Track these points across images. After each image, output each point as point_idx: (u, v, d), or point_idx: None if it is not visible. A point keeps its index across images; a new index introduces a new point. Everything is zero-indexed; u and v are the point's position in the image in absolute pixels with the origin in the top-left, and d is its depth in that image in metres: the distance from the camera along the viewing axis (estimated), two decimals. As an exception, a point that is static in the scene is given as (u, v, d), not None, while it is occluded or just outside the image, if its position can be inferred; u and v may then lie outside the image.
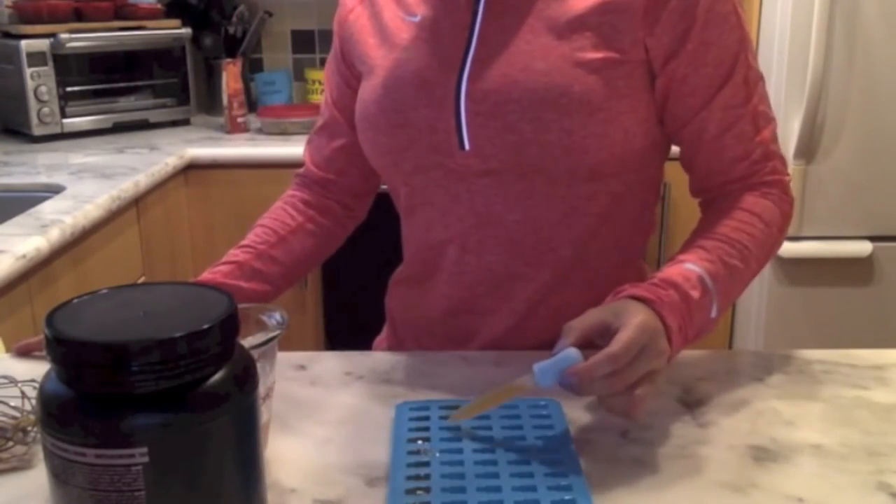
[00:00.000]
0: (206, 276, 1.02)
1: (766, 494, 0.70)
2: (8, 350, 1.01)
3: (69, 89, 2.35)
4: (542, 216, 0.93)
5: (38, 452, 0.76)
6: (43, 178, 1.91)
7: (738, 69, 0.89)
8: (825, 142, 2.11)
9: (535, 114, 0.87)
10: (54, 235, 1.49)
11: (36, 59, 2.26)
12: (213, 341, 0.53)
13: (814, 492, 0.70)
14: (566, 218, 0.94)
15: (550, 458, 0.73)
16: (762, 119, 0.92)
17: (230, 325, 0.55)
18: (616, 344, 0.71)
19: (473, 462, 0.72)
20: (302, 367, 0.94)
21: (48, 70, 2.29)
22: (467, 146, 0.91)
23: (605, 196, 0.93)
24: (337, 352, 0.99)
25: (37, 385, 0.69)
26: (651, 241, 1.03)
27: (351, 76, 1.05)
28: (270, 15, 2.76)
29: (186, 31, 2.53)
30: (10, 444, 0.76)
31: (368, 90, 0.98)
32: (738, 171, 0.92)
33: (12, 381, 0.83)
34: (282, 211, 1.10)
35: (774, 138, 0.93)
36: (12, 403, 0.80)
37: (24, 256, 1.39)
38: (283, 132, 2.39)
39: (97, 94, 2.42)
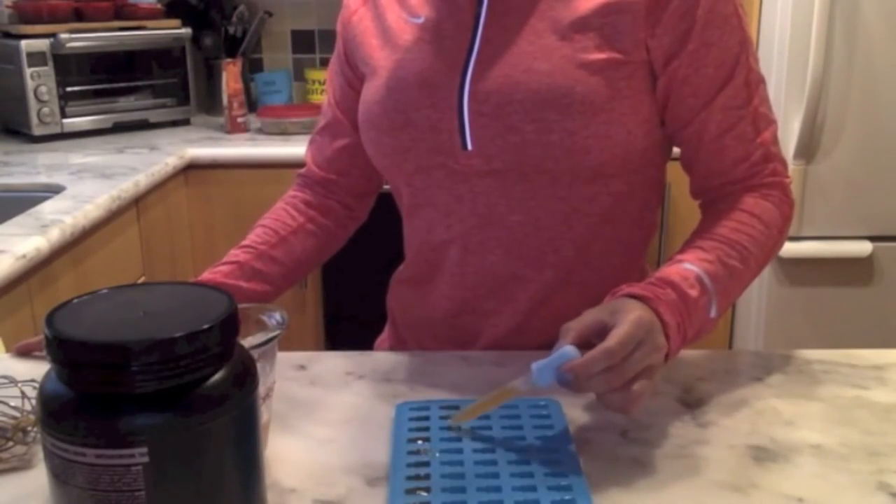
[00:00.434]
0: (206, 276, 1.02)
1: (766, 494, 0.70)
2: (8, 350, 1.01)
3: (69, 89, 2.35)
4: (544, 217, 0.93)
5: (38, 452, 0.76)
6: (43, 178, 1.91)
7: (739, 70, 0.89)
8: (825, 142, 2.11)
9: (538, 114, 0.87)
10: (54, 235, 1.49)
11: (36, 59, 2.26)
12: (213, 341, 0.53)
13: (814, 492, 0.70)
14: (568, 218, 0.94)
15: (550, 457, 0.73)
16: (763, 121, 0.92)
17: (230, 325, 0.55)
18: (612, 339, 0.71)
19: (473, 462, 0.72)
20: (302, 367, 0.94)
21: (48, 70, 2.29)
22: (470, 147, 0.91)
23: (606, 197, 0.93)
24: (337, 352, 0.99)
25: (37, 385, 0.69)
26: (651, 242, 1.03)
27: (354, 77, 1.06)
28: (270, 15, 2.76)
29: (186, 31, 2.53)
30: (10, 444, 0.76)
31: (371, 91, 0.98)
32: (738, 173, 0.92)
33: (12, 381, 0.83)
34: (283, 211, 1.10)
35: (775, 140, 0.93)
36: (12, 403, 0.80)
37: (24, 256, 1.39)
38: (283, 132, 2.39)
39: (97, 94, 2.42)
